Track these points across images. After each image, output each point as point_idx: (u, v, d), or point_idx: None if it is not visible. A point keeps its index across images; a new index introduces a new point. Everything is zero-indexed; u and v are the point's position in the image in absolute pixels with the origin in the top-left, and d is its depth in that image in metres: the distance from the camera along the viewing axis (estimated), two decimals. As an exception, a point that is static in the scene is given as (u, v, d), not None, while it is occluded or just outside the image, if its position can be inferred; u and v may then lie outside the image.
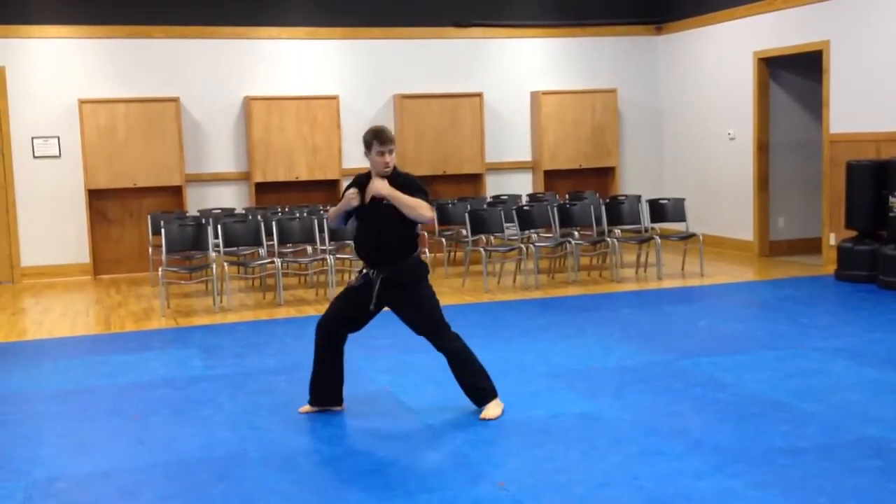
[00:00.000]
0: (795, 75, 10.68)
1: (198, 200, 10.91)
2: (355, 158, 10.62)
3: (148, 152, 10.59)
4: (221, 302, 8.62)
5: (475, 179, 11.81)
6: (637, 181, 12.35)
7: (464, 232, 9.50)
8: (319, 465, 4.36)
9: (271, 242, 8.93)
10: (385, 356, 6.23)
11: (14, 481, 4.17)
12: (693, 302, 8.13)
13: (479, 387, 4.89)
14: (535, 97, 11.92)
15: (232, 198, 11.10)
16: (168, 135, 10.62)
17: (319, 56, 11.33)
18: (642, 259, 10.02)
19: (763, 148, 10.70)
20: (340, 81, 11.37)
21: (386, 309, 4.94)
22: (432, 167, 11.47)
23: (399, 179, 4.83)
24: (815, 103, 10.34)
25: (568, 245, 9.30)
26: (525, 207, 9.51)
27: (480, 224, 9.25)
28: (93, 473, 4.26)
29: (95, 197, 10.63)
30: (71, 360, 6.57)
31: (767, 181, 10.74)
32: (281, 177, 10.96)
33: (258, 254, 9.10)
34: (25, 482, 4.15)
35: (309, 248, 9.26)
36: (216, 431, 4.80)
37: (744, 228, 10.99)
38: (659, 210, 9.86)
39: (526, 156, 12.11)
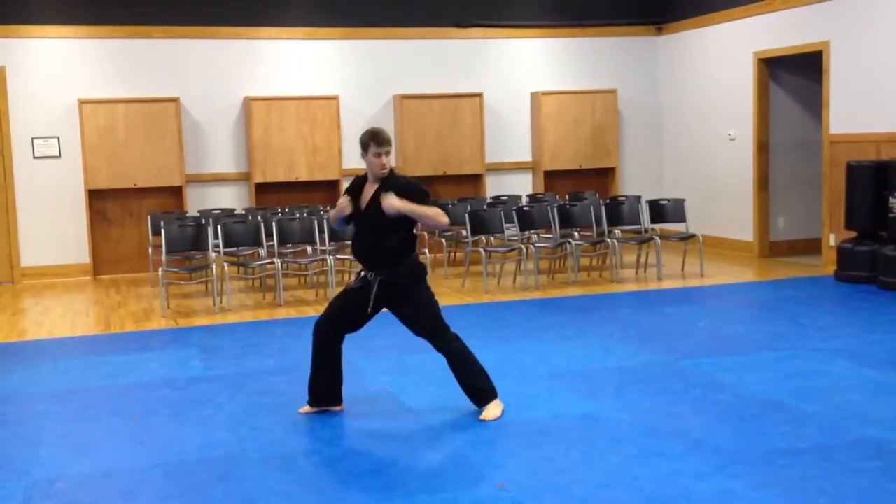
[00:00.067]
0: (795, 76, 10.69)
1: (198, 201, 10.91)
2: (355, 159, 10.59)
3: (148, 152, 10.59)
4: (221, 302, 8.62)
5: (475, 180, 11.81)
6: (637, 182, 12.35)
7: (464, 232, 9.50)
8: (319, 465, 4.36)
9: (271, 243, 8.93)
10: (385, 357, 6.23)
11: (14, 481, 4.17)
12: (693, 303, 8.13)
13: (479, 387, 4.89)
14: (536, 97, 11.93)
15: (232, 198, 11.10)
16: (168, 135, 10.62)
17: (319, 56, 11.33)
18: (642, 260, 10.02)
19: (763, 148, 10.70)
20: (340, 82, 11.38)
21: (385, 310, 4.94)
22: (432, 167, 11.48)
23: (398, 183, 4.82)
24: (815, 104, 10.35)
25: (568, 246, 9.30)
26: (525, 208, 9.50)
27: (480, 224, 9.25)
28: (93, 474, 4.26)
29: (95, 197, 10.63)
30: (71, 360, 6.57)
31: (767, 182, 10.75)
32: (281, 177, 10.96)
33: (258, 254, 9.10)
34: (25, 482, 4.15)
35: (309, 249, 9.27)
36: (216, 432, 4.80)
37: (744, 229, 10.99)
38: (659, 210, 9.86)
39: (526, 156, 12.11)
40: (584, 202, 9.99)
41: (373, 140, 4.76)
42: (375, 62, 11.49)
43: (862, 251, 8.57)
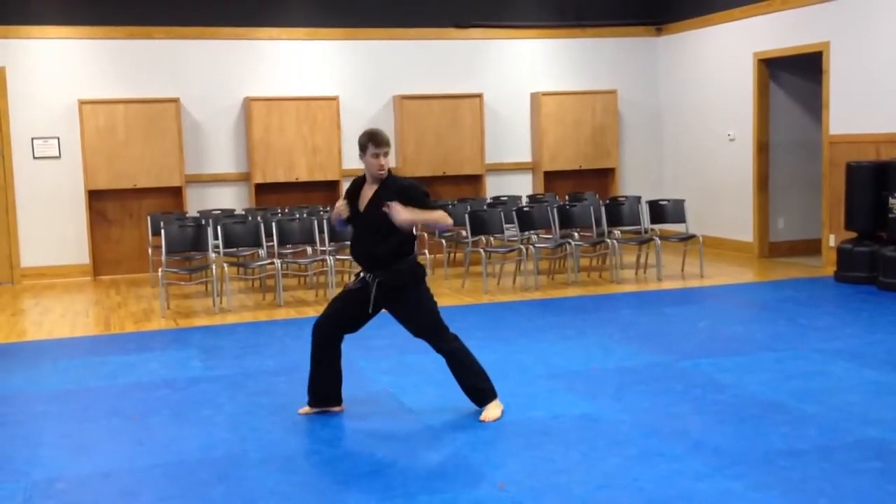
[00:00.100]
0: (795, 76, 10.69)
1: (198, 201, 10.91)
2: (355, 159, 10.53)
3: (148, 153, 10.59)
4: (221, 303, 8.62)
5: (475, 180, 11.81)
6: (637, 182, 12.35)
7: (464, 233, 9.50)
8: (319, 466, 4.36)
9: (271, 243, 8.93)
10: (386, 357, 6.23)
11: (14, 482, 4.17)
12: (693, 303, 8.13)
13: (478, 387, 4.89)
14: (535, 98, 11.93)
15: (232, 198, 11.10)
16: (168, 135, 10.62)
17: (319, 57, 11.33)
18: (642, 260, 10.02)
19: (763, 149, 10.70)
20: (340, 82, 11.38)
21: (384, 310, 4.94)
22: (432, 168, 11.48)
23: (398, 184, 4.83)
24: (814, 104, 10.35)
25: (568, 246, 9.30)
26: (525, 208, 9.50)
27: (480, 225, 9.25)
28: (92, 474, 4.26)
29: (95, 198, 10.63)
30: (71, 360, 6.57)
31: (767, 182, 10.75)
32: (281, 177, 10.96)
33: (258, 255, 9.10)
34: (25, 483, 4.15)
35: (309, 249, 9.27)
36: (216, 432, 4.80)
37: (743, 230, 10.99)
38: (659, 211, 9.87)
39: (526, 157, 12.11)
40: (583, 203, 9.99)
41: (371, 141, 4.76)
42: (375, 63, 11.49)
43: (862, 252, 8.57)
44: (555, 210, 9.54)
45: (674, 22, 12.15)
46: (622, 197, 10.37)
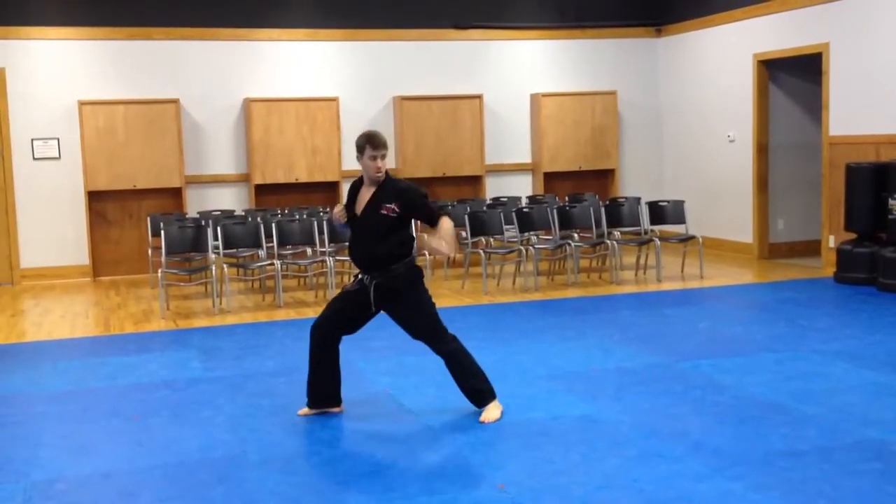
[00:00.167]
0: (795, 77, 10.69)
1: (197, 202, 10.91)
2: (355, 160, 10.58)
3: (148, 154, 10.59)
4: (221, 304, 8.61)
5: (475, 181, 11.81)
6: (637, 183, 12.35)
7: (463, 234, 9.50)
8: (319, 467, 4.36)
9: (271, 244, 8.93)
10: (385, 358, 6.23)
11: (13, 483, 4.17)
12: (693, 304, 8.13)
13: (477, 388, 4.90)
14: (535, 99, 11.93)
15: (231, 199, 11.10)
16: (168, 136, 10.62)
17: (319, 57, 11.33)
18: (642, 261, 10.02)
19: (762, 150, 10.71)
20: (340, 83, 11.38)
21: (382, 312, 4.94)
22: (432, 169, 11.48)
23: (396, 186, 4.84)
24: (814, 105, 10.35)
25: (567, 247, 9.30)
26: (525, 209, 9.51)
27: (480, 226, 9.26)
28: (92, 475, 4.26)
29: (95, 198, 10.63)
30: (70, 361, 6.57)
31: (767, 183, 10.75)
32: (280, 178, 10.96)
33: (258, 256, 9.10)
34: (25, 483, 4.15)
35: (308, 250, 9.27)
36: (215, 433, 4.80)
37: (743, 231, 10.99)
38: (658, 212, 9.87)
39: (526, 158, 12.11)
40: (583, 204, 9.99)
41: (368, 143, 4.77)
42: (375, 64, 11.49)
43: (861, 253, 8.57)
44: (554, 211, 9.54)
45: (674, 23, 12.15)
46: (622, 198, 10.37)
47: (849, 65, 9.33)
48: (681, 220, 9.79)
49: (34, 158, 10.47)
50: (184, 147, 10.74)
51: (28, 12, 10.42)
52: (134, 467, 4.35)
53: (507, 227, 9.46)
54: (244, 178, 11.13)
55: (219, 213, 10.36)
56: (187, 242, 8.60)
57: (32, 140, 10.45)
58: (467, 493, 3.87)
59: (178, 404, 5.36)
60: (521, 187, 11.94)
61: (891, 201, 8.34)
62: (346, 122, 11.14)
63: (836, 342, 6.35)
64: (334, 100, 11.13)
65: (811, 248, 10.51)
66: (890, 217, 8.34)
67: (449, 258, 4.68)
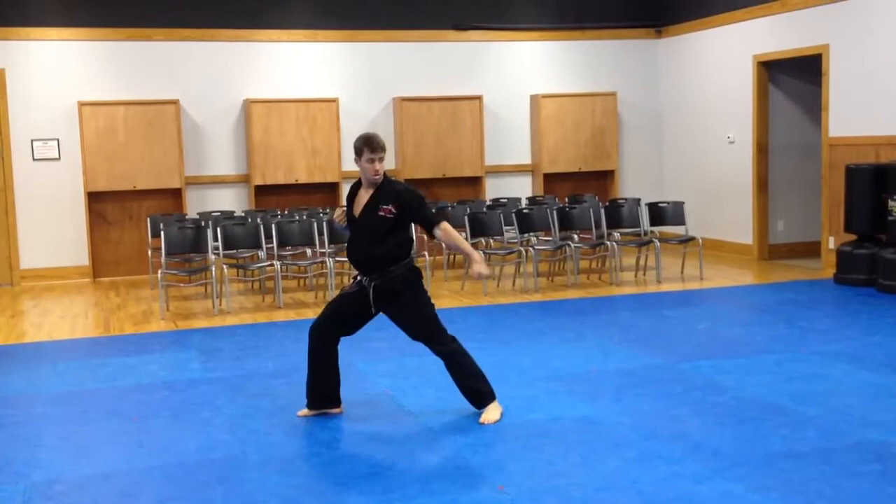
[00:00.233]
0: (795, 79, 10.69)
1: (197, 203, 10.91)
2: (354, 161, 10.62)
3: (147, 155, 10.59)
4: (221, 305, 8.61)
5: (475, 182, 11.82)
6: (636, 184, 12.35)
7: (463, 234, 9.50)
8: (318, 467, 4.36)
9: (271, 245, 8.93)
10: (385, 359, 6.23)
11: (13, 484, 4.17)
12: (692, 305, 8.13)
13: (477, 389, 4.90)
14: (535, 100, 11.93)
15: (231, 200, 11.10)
16: (168, 137, 10.62)
17: (319, 58, 11.33)
18: (642, 262, 10.02)
19: (762, 151, 10.71)
20: (340, 84, 11.38)
21: (381, 313, 4.95)
22: (432, 170, 11.48)
23: (394, 188, 4.84)
24: (814, 107, 10.35)
25: (567, 248, 9.30)
26: (524, 210, 9.51)
27: (480, 227, 9.26)
28: (92, 476, 4.26)
29: (95, 199, 10.63)
30: (70, 362, 6.57)
31: (767, 184, 10.75)
32: (280, 179, 10.96)
33: (257, 256, 9.10)
34: (24, 484, 4.15)
35: (308, 251, 9.27)
36: (215, 434, 4.80)
37: (743, 232, 10.99)
38: (658, 213, 9.87)
39: (525, 159, 12.11)
40: (583, 205, 9.99)
41: (366, 146, 4.78)
42: (375, 64, 11.49)
43: (861, 254, 8.57)
44: (554, 212, 9.55)
45: (673, 24, 12.16)
46: (622, 199, 10.37)
47: (848, 66, 9.34)
48: (680, 221, 9.79)
49: (34, 159, 10.47)
50: (184, 148, 10.74)
51: (28, 13, 10.42)
52: (133, 468, 4.35)
53: (507, 228, 9.47)
54: (244, 179, 11.13)
55: (219, 213, 10.36)
56: (187, 243, 8.60)
57: (32, 141, 10.45)
58: (467, 495, 3.87)
59: (177, 405, 5.36)
60: (521, 188, 11.94)
61: (890, 202, 8.34)
62: (346, 122, 11.14)
63: (836, 343, 6.35)
64: (334, 101, 11.13)
65: (811, 250, 10.51)
66: (890, 218, 8.34)
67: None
